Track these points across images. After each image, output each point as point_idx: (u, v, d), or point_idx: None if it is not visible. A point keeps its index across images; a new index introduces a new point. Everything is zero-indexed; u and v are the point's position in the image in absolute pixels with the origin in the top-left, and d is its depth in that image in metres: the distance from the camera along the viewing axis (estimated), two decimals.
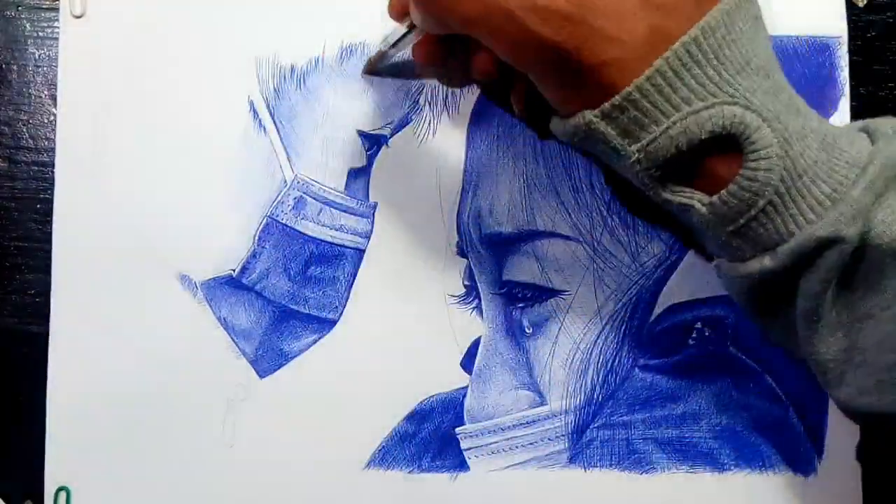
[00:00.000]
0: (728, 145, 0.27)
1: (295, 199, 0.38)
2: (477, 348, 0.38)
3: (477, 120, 0.38)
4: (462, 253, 0.38)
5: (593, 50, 0.26)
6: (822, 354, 0.28)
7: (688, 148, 0.27)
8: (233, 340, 0.38)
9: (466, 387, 0.38)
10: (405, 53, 0.36)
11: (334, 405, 0.38)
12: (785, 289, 0.28)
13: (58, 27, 0.38)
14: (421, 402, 0.38)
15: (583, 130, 0.28)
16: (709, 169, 0.27)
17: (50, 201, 0.38)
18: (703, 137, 0.26)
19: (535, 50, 0.27)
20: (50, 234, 0.38)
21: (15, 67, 0.38)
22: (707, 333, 0.38)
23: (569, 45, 0.26)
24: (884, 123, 0.29)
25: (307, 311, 0.38)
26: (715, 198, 0.27)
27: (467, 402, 0.38)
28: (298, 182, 0.38)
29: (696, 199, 0.28)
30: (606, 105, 0.27)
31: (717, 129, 0.26)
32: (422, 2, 0.29)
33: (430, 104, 0.38)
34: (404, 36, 0.34)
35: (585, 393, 0.38)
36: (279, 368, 0.38)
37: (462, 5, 0.28)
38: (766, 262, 0.28)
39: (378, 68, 0.38)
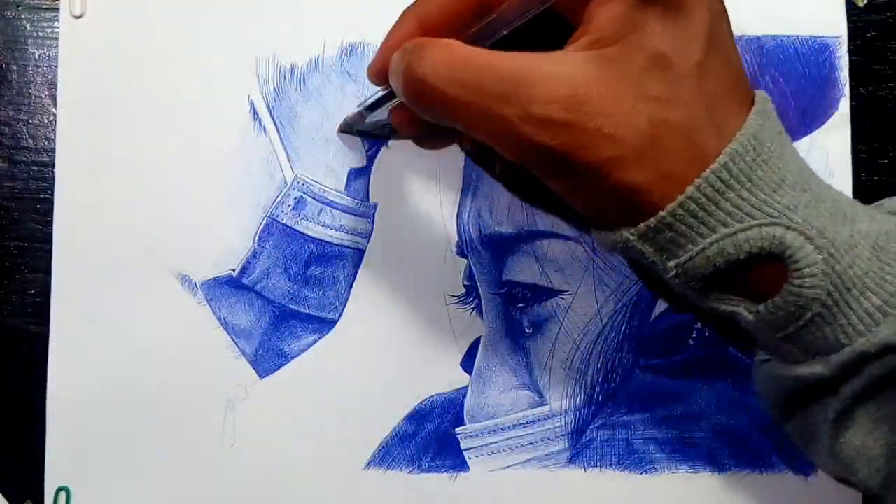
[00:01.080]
0: (771, 257, 0.26)
1: (295, 199, 0.38)
2: (477, 348, 0.38)
3: None
4: (462, 253, 0.38)
5: (593, 151, 0.26)
6: (851, 449, 0.28)
7: (726, 267, 0.26)
8: (233, 340, 0.38)
9: (466, 387, 0.38)
10: (382, 113, 0.34)
11: (334, 405, 0.38)
12: (825, 392, 0.28)
13: (58, 27, 0.38)
14: (421, 402, 0.38)
15: (620, 247, 0.28)
16: (752, 281, 0.27)
17: (50, 201, 0.38)
18: (741, 258, 0.26)
19: (535, 155, 0.26)
20: (50, 234, 0.38)
21: (15, 67, 0.38)
22: (707, 333, 0.38)
23: (567, 149, 0.26)
24: None
25: (307, 311, 0.38)
26: (761, 307, 0.27)
27: (467, 402, 0.38)
28: (298, 182, 0.38)
29: (742, 308, 0.27)
30: (642, 226, 0.26)
31: (755, 250, 0.26)
32: (411, 98, 0.28)
33: None
34: (383, 99, 0.32)
35: (585, 393, 0.38)
36: (279, 368, 0.38)
37: (457, 110, 0.27)
38: (818, 368, 0.27)
39: (354, 129, 0.37)
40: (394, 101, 0.31)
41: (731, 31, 0.28)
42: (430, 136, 0.35)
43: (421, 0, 0.30)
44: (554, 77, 0.25)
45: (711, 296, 0.28)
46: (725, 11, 0.28)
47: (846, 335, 0.26)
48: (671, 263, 0.27)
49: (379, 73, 0.31)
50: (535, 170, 0.28)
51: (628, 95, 0.25)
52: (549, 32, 0.28)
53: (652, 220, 0.26)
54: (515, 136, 0.26)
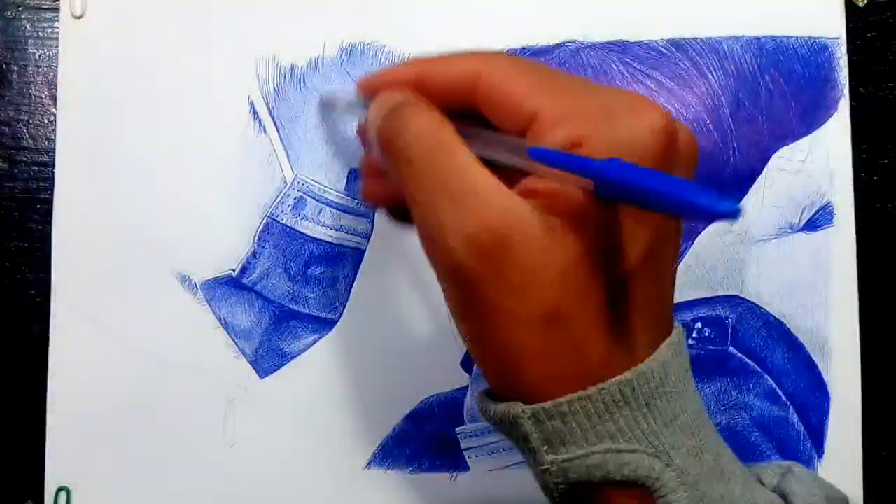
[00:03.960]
0: (639, 488, 0.26)
1: (295, 199, 0.38)
2: None
3: None
4: None
5: (495, 293, 0.25)
6: None
7: (598, 481, 0.26)
8: (233, 340, 0.38)
9: (466, 387, 0.38)
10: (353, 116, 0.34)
11: (334, 405, 0.38)
12: None
13: (58, 27, 0.38)
14: (421, 402, 0.38)
15: (507, 422, 0.26)
16: (614, 500, 0.26)
17: (50, 201, 0.38)
18: (616, 479, 0.25)
19: (448, 265, 0.26)
20: (50, 234, 0.38)
21: (15, 67, 0.38)
22: (707, 333, 0.38)
23: (475, 276, 0.25)
24: (799, 482, 0.28)
25: (307, 311, 0.38)
26: None
27: (467, 402, 0.38)
28: (298, 182, 0.38)
29: None
30: (538, 406, 0.25)
31: (632, 476, 0.25)
32: (381, 140, 0.28)
33: None
34: (360, 109, 0.32)
35: None
36: (279, 368, 0.38)
37: (407, 177, 0.27)
38: None
39: (329, 109, 0.38)
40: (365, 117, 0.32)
41: (672, 260, 0.27)
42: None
43: (434, 60, 0.29)
44: (501, 207, 0.25)
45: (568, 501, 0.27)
46: (677, 249, 0.28)
47: None
48: (549, 457, 0.26)
49: (367, 91, 0.31)
50: (440, 277, 0.27)
51: (551, 270, 0.25)
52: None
53: (549, 403, 0.25)
54: (441, 237, 0.25)
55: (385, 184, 0.32)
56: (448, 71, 0.28)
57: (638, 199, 0.22)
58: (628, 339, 0.26)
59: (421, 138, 0.27)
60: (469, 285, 0.25)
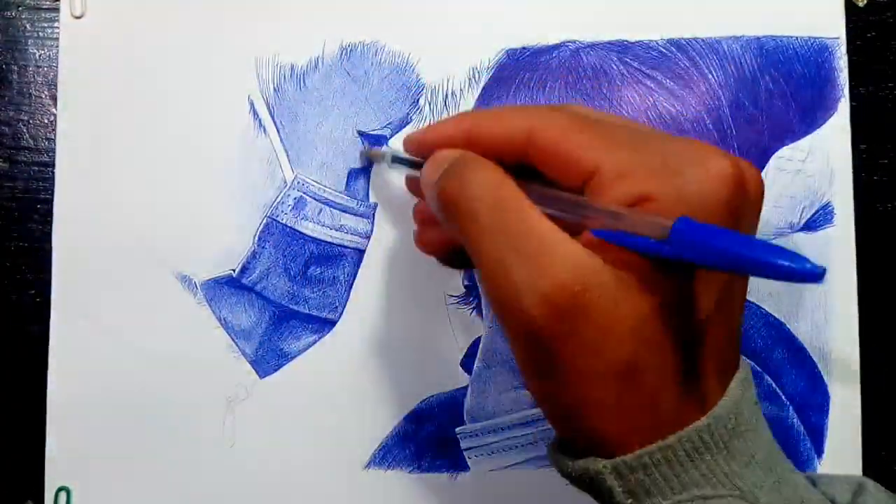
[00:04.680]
0: None
1: (295, 199, 0.38)
2: (477, 348, 0.38)
3: None
4: None
5: (571, 352, 0.25)
6: None
7: None
8: (233, 340, 0.38)
9: (466, 387, 0.38)
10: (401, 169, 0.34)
11: (334, 405, 0.38)
12: None
13: (58, 27, 0.38)
14: (421, 402, 0.38)
15: (588, 478, 0.26)
16: None
17: (50, 201, 0.38)
18: None
19: (521, 325, 0.25)
20: (50, 234, 0.38)
21: (15, 67, 0.38)
22: None
23: (550, 335, 0.25)
24: (876, 501, 0.28)
25: (307, 311, 0.38)
26: None
27: (467, 402, 0.38)
28: (298, 182, 0.38)
29: None
30: (618, 459, 0.25)
31: None
32: (439, 203, 0.27)
33: (430, 104, 0.38)
34: (407, 164, 0.33)
35: None
36: (279, 368, 0.38)
37: (472, 236, 0.26)
38: None
39: (373, 161, 0.38)
40: (414, 174, 0.31)
41: (744, 300, 0.27)
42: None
43: (484, 114, 0.29)
44: (574, 266, 0.24)
45: None
46: (744, 296, 0.27)
47: None
48: None
49: (415, 147, 0.31)
50: (512, 336, 0.26)
51: (626, 324, 0.24)
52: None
53: (630, 455, 0.25)
54: (513, 296, 0.25)
55: (440, 232, 0.31)
56: (501, 127, 0.28)
57: (714, 261, 0.21)
58: (701, 384, 0.25)
59: (485, 195, 0.26)
60: (544, 345, 0.25)
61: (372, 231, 0.38)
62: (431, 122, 0.38)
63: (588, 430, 0.25)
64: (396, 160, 0.34)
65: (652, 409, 0.25)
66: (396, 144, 0.37)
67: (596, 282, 0.24)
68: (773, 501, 0.26)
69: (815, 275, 0.19)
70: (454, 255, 0.31)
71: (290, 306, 0.38)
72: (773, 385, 0.38)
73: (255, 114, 0.38)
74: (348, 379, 0.38)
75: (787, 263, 0.19)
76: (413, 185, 0.34)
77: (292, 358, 0.38)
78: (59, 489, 0.37)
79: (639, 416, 0.25)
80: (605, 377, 0.25)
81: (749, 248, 0.21)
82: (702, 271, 0.25)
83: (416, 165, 0.31)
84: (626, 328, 0.24)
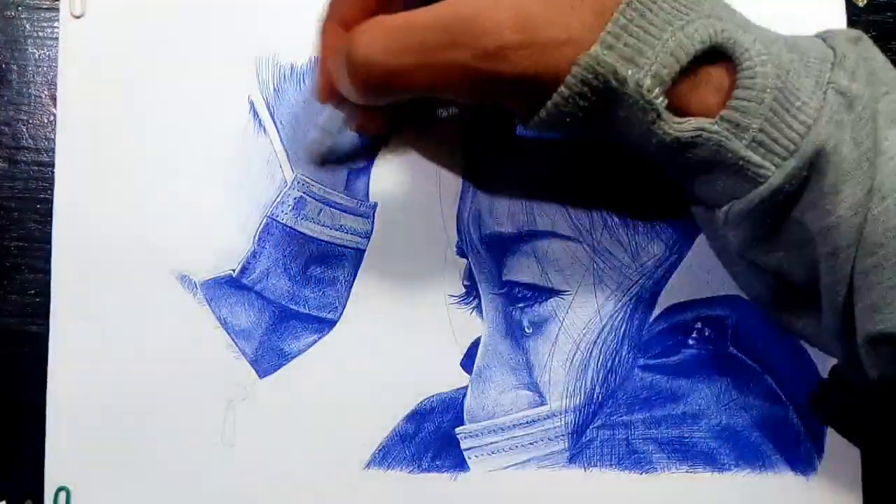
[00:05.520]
0: (715, 63, 0.28)
1: (295, 199, 0.38)
2: (477, 348, 0.38)
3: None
4: (462, 253, 0.38)
5: (558, 59, 0.27)
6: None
7: (687, 63, 0.27)
8: (233, 340, 0.38)
9: (466, 387, 0.38)
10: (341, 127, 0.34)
11: (334, 405, 0.38)
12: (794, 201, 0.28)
13: (58, 27, 0.38)
14: (421, 402, 0.38)
15: (589, 75, 0.27)
16: (707, 86, 0.28)
17: (50, 201, 0.38)
18: (696, 49, 0.27)
19: (497, 87, 0.27)
20: (50, 234, 0.38)
21: (15, 67, 0.38)
22: (707, 333, 0.38)
23: (531, 72, 0.27)
24: (833, 30, 0.31)
25: (307, 311, 0.38)
26: (724, 110, 0.27)
27: (467, 402, 0.38)
28: (298, 182, 0.38)
29: (705, 122, 0.28)
30: (602, 34, 0.27)
31: (705, 38, 0.27)
32: (363, 88, 0.28)
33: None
34: (336, 112, 0.32)
35: (585, 393, 0.38)
36: (279, 368, 0.38)
37: (411, 77, 0.27)
38: (791, 163, 0.27)
39: (323, 158, 0.37)
40: (347, 106, 0.31)
41: None
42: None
43: (332, 5, 0.30)
44: (494, 6, 0.26)
45: (675, 119, 0.28)
46: None
47: (805, 114, 0.27)
48: (640, 74, 0.27)
49: (328, 90, 0.31)
50: (505, 102, 0.28)
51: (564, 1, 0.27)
52: None
53: (609, 25, 0.27)
54: (480, 76, 0.26)
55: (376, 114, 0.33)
56: None
57: None
58: None
59: (379, 50, 0.27)
60: (527, 77, 0.27)
61: (372, 231, 0.38)
62: (431, 121, 0.38)
63: (572, 50, 0.27)
64: (328, 122, 0.33)
65: (599, 18, 0.27)
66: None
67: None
68: (732, 17, 0.29)
69: None
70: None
71: (290, 306, 0.38)
72: (773, 385, 0.38)
73: (256, 114, 0.38)
74: (348, 379, 0.38)
75: None
76: (361, 119, 0.34)
77: (292, 358, 0.38)
78: (59, 489, 0.37)
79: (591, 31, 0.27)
80: (591, 41, 0.27)
81: None
82: None
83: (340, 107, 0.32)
84: (567, 9, 0.27)
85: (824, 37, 0.30)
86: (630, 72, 0.27)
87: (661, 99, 0.27)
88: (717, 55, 0.28)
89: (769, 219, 0.29)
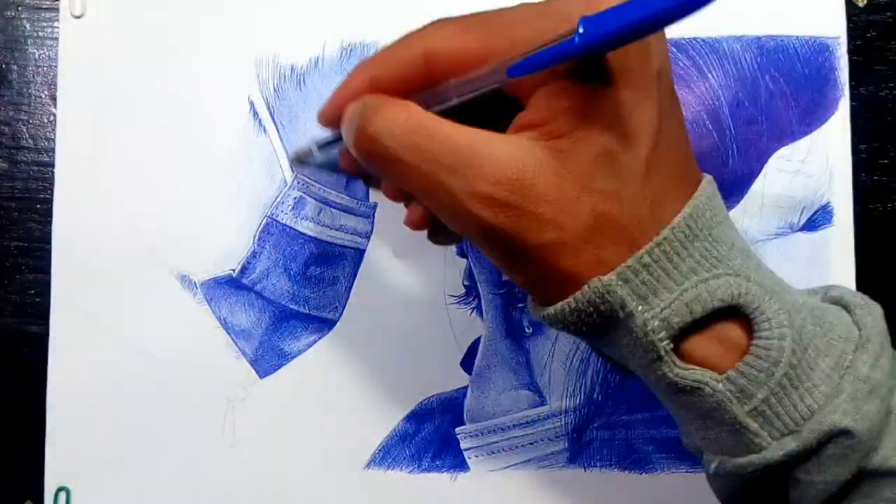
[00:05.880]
0: (733, 318, 0.27)
1: (295, 199, 0.38)
2: (477, 348, 0.38)
3: None
4: (462, 253, 0.38)
5: (533, 233, 0.26)
6: None
7: (701, 316, 0.26)
8: (233, 340, 0.38)
9: (466, 387, 0.38)
10: (332, 152, 0.34)
11: (334, 405, 0.38)
12: (794, 470, 0.27)
13: (58, 27, 0.38)
14: (421, 402, 0.38)
15: (596, 300, 0.26)
16: (718, 341, 0.27)
17: (50, 201, 0.38)
18: (714, 306, 0.26)
19: (477, 230, 0.26)
20: (50, 234, 0.38)
21: (15, 67, 0.38)
22: None
23: (508, 229, 0.26)
24: (848, 293, 0.29)
25: (307, 311, 0.38)
26: (731, 371, 0.26)
27: (467, 402, 0.38)
28: (298, 182, 0.38)
29: (709, 377, 0.27)
30: (622, 267, 0.26)
31: (727, 297, 0.26)
32: (362, 154, 0.28)
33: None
34: (333, 142, 0.32)
35: (585, 393, 0.38)
36: (279, 368, 0.38)
37: (406, 173, 0.27)
38: (790, 444, 0.26)
39: (306, 162, 0.37)
40: (343, 145, 0.31)
41: (680, 112, 0.28)
42: (377, 181, 0.35)
43: (377, 58, 0.29)
44: (504, 158, 0.26)
45: (677, 364, 0.27)
46: (675, 95, 0.28)
47: (813, 398, 0.26)
48: (648, 314, 0.26)
49: (330, 119, 0.31)
50: (477, 244, 0.28)
51: (574, 187, 0.25)
52: (494, 103, 0.27)
53: (630, 258, 0.26)
54: (460, 209, 0.26)
55: (418, 206, 0.31)
56: (397, 63, 0.28)
57: (630, 28, 0.23)
58: (658, 218, 0.26)
59: (396, 134, 0.27)
60: (506, 238, 0.26)
61: (372, 231, 0.38)
62: None
63: (574, 285, 0.26)
64: (323, 145, 0.33)
65: (627, 237, 0.26)
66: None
67: (529, 162, 0.25)
68: (762, 278, 0.27)
69: None
70: (438, 227, 0.31)
71: (290, 306, 0.38)
72: None
73: (256, 114, 0.38)
74: (348, 379, 0.38)
75: None
76: (345, 161, 0.33)
77: (292, 358, 0.38)
78: (59, 489, 0.37)
79: (613, 248, 0.26)
80: (577, 240, 0.26)
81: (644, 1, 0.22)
82: (629, 101, 0.26)
83: (338, 141, 0.31)
84: (576, 189, 0.26)
85: (850, 306, 0.28)
86: (640, 308, 0.26)
87: (665, 342, 0.26)
88: (735, 310, 0.26)
89: (763, 485, 0.28)
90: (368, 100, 0.28)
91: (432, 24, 0.29)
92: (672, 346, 0.26)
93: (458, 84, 0.27)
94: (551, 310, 0.27)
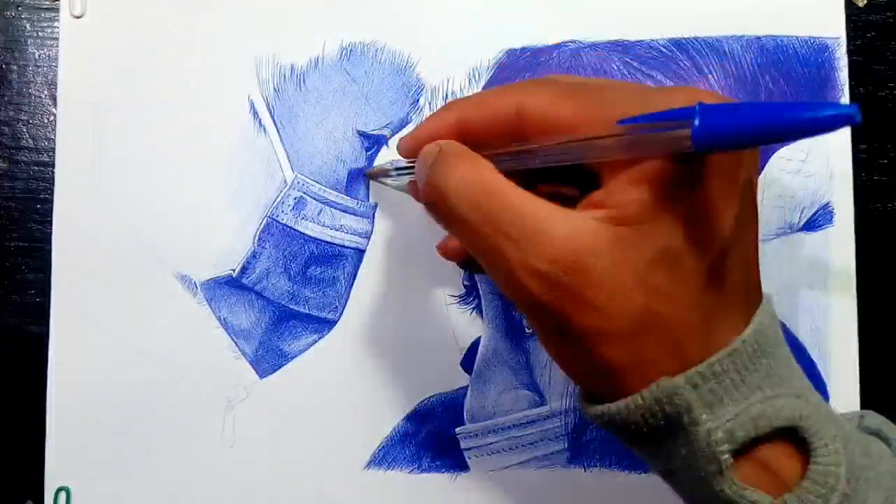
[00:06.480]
0: (785, 441, 0.26)
1: (295, 199, 0.38)
2: (477, 348, 0.38)
3: None
4: None
5: (580, 316, 0.25)
6: None
7: (764, 433, 0.26)
8: (233, 340, 0.38)
9: (466, 387, 0.38)
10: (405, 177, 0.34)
11: (334, 405, 0.38)
12: None
13: (58, 27, 0.38)
14: (421, 402, 0.38)
15: (662, 403, 0.26)
16: (772, 462, 0.26)
17: (50, 201, 0.38)
18: (778, 425, 0.25)
19: (525, 301, 0.26)
20: (50, 234, 0.38)
21: (15, 67, 0.38)
22: None
23: (556, 308, 0.25)
24: (885, 425, 0.29)
25: (307, 311, 0.38)
26: (788, 495, 0.25)
27: (467, 402, 0.38)
28: (298, 182, 0.38)
29: (769, 500, 0.26)
30: (694, 371, 0.25)
31: (791, 418, 0.26)
32: (427, 203, 0.28)
33: (429, 104, 0.38)
34: (408, 170, 0.32)
35: None
36: (279, 368, 0.38)
37: (465, 230, 0.27)
38: None
39: (381, 181, 0.37)
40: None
41: (756, 229, 0.27)
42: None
43: (471, 101, 0.29)
44: (564, 236, 0.25)
45: (736, 482, 0.26)
46: (755, 209, 0.27)
47: None
48: (713, 423, 0.25)
49: (408, 151, 0.31)
50: (525, 314, 0.28)
51: (630, 278, 0.25)
52: (566, 170, 0.27)
53: (702, 364, 0.25)
54: (513, 278, 0.26)
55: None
56: (488, 110, 0.28)
57: (743, 135, 0.21)
58: (709, 331, 0.26)
59: (466, 193, 0.27)
60: (553, 317, 0.26)
61: (372, 231, 0.38)
62: None
63: (620, 386, 0.26)
64: (400, 171, 0.33)
65: (672, 341, 0.25)
66: (392, 153, 0.37)
67: (590, 245, 0.25)
68: (819, 403, 0.27)
69: (850, 115, 0.19)
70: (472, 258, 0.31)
71: (290, 306, 0.38)
72: None
73: (255, 114, 0.38)
74: (348, 379, 0.38)
75: (827, 112, 0.19)
76: (413, 191, 0.34)
77: (292, 358, 0.38)
78: (59, 489, 0.37)
79: (657, 349, 0.25)
80: (621, 334, 0.25)
81: (776, 110, 0.21)
82: (709, 206, 0.25)
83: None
84: (631, 282, 0.25)
85: (891, 441, 0.28)
86: (704, 416, 0.25)
87: (726, 456, 0.25)
88: (789, 434, 0.26)
89: None
90: (445, 147, 0.28)
91: (531, 81, 0.29)
92: (732, 459, 0.25)
93: (545, 152, 0.27)
94: (613, 406, 0.26)
